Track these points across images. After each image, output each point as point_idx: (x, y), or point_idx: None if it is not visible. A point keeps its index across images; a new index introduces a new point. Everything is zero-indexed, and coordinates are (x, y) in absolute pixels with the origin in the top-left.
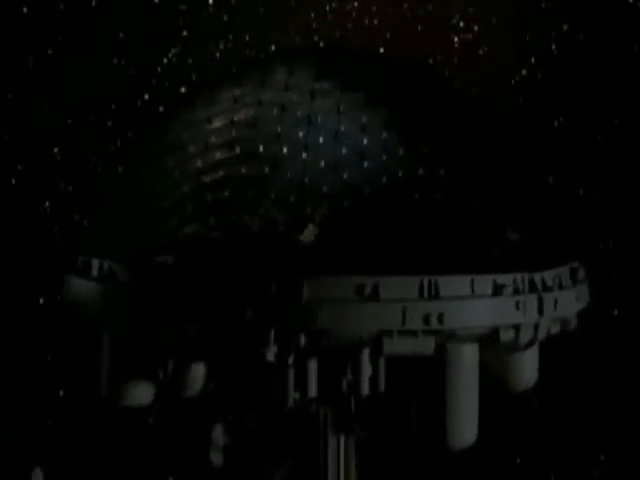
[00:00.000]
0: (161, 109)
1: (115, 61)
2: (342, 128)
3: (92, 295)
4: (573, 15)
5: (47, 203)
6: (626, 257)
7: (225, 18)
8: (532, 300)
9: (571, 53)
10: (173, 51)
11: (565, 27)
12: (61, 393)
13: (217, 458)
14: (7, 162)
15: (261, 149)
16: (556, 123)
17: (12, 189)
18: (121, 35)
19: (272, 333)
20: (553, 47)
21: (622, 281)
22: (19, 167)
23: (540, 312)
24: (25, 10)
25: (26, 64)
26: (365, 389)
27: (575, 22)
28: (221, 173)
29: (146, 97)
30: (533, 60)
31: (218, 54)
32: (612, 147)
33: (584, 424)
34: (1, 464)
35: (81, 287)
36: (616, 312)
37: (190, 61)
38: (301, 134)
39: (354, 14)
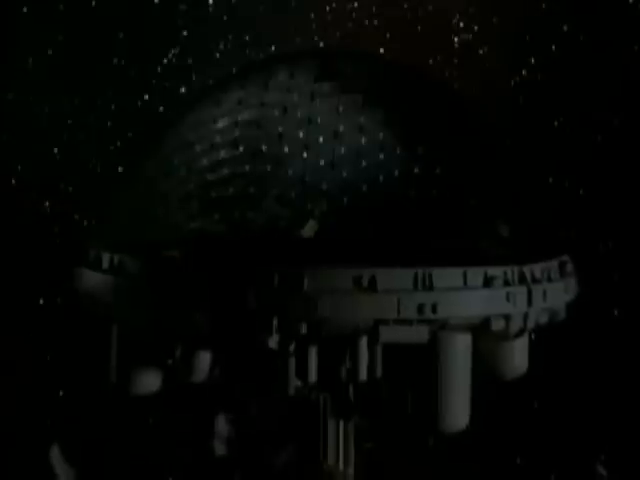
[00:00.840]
0: (161, 109)
1: (115, 61)
2: (341, 128)
3: (103, 286)
4: (573, 15)
5: (47, 203)
6: (626, 257)
7: (225, 18)
8: (522, 291)
9: (571, 53)
10: (173, 51)
11: (565, 27)
12: (68, 385)
13: (220, 448)
14: (7, 162)
15: (264, 148)
16: (556, 123)
17: (12, 189)
18: (121, 35)
19: (275, 322)
20: (553, 47)
21: (622, 281)
22: (19, 167)
23: (529, 303)
24: (25, 10)
25: (26, 64)
26: (363, 376)
27: (575, 22)
28: (226, 171)
29: (146, 97)
30: (533, 60)
31: (218, 54)
32: (612, 147)
33: (585, 424)
34: (19, 444)
35: (92, 279)
36: (616, 312)
37: (190, 61)
38: (302, 134)
39: (354, 14)
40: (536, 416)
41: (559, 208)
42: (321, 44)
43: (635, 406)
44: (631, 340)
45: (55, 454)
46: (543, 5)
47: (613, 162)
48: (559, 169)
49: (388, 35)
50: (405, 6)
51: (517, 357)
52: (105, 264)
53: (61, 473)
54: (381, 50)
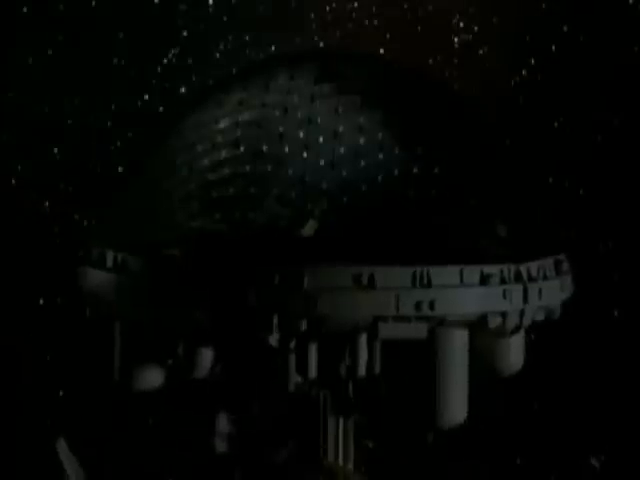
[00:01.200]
0: (161, 109)
1: (115, 61)
2: (340, 128)
3: (106, 285)
4: (573, 15)
5: (47, 203)
6: (626, 257)
7: (225, 18)
8: (518, 289)
9: (571, 53)
10: (173, 51)
11: (565, 27)
12: (70, 383)
13: (220, 445)
14: (7, 162)
15: (265, 148)
16: (556, 123)
17: (12, 189)
18: (121, 35)
19: (275, 319)
20: (553, 47)
21: (622, 281)
22: (19, 167)
23: (525, 300)
24: (25, 10)
25: (26, 64)
26: (362, 372)
27: (575, 22)
28: (227, 171)
29: (146, 97)
30: (533, 60)
31: (218, 54)
32: (612, 147)
33: (585, 425)
34: (25, 436)
35: (96, 277)
36: (616, 312)
37: (190, 61)
38: (302, 134)
39: (354, 15)
40: (536, 416)
41: (559, 208)
42: (321, 44)
43: (634, 405)
44: (630, 340)
45: (62, 448)
46: (543, 5)
47: (613, 162)
48: (559, 169)
49: (388, 35)
50: (405, 6)
51: (513, 354)
52: (109, 262)
53: (70, 470)
54: (381, 50)
